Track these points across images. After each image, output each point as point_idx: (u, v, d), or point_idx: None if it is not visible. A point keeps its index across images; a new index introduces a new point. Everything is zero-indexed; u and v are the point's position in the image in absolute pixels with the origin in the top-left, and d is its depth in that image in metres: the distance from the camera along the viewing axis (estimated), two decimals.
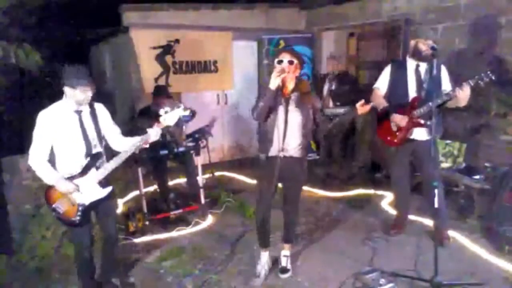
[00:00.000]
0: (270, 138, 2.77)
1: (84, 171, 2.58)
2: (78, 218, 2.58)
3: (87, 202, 2.60)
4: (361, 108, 2.77)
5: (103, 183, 2.65)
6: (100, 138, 2.69)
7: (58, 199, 2.55)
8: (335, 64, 5.83)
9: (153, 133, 2.69)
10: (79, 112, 2.57)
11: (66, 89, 2.49)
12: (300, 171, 2.91)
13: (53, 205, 2.55)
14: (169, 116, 2.70)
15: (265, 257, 3.14)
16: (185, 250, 3.59)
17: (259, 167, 2.90)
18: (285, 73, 2.61)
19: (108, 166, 2.63)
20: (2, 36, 3.58)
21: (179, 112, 2.71)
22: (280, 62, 2.70)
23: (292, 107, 2.74)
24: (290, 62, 2.70)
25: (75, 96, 2.50)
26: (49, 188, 2.55)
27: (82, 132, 2.58)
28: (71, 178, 2.55)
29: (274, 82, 2.59)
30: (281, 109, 2.72)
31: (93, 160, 2.61)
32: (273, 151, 2.80)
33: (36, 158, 2.51)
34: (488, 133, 4.31)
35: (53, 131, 2.49)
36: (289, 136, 2.76)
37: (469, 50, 4.45)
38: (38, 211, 3.58)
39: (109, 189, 2.67)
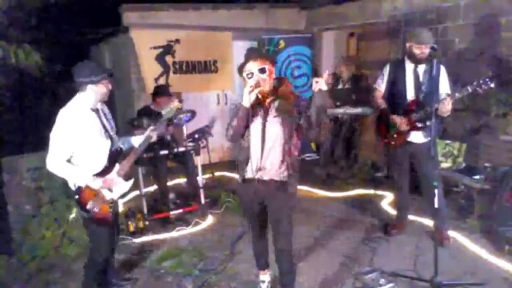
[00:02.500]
0: (246, 156, 2.35)
1: (109, 167, 2.60)
2: (110, 215, 2.61)
3: (116, 197, 2.64)
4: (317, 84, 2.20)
5: (126, 176, 2.69)
6: (115, 133, 2.75)
7: (90, 199, 2.52)
8: (348, 65, 5.82)
9: (153, 133, 2.80)
10: (96, 110, 2.58)
11: (89, 86, 2.48)
12: (283, 198, 2.37)
13: (88, 207, 2.50)
14: (168, 109, 2.90)
15: (266, 279, 2.83)
16: (185, 250, 3.59)
17: (240, 192, 2.59)
18: (259, 87, 2.20)
19: (129, 160, 2.68)
20: (2, 37, 3.58)
21: (176, 104, 2.92)
22: (250, 75, 2.26)
23: (271, 117, 2.30)
24: (262, 71, 2.25)
25: (99, 91, 2.52)
26: (80, 189, 2.50)
27: (104, 129, 2.60)
28: (98, 175, 2.54)
29: (246, 99, 2.18)
30: (257, 120, 2.30)
31: (116, 155, 2.66)
32: (249, 172, 2.37)
33: (59, 160, 2.44)
34: (488, 133, 4.31)
35: (77, 130, 2.44)
36: (267, 152, 2.31)
37: (469, 50, 4.44)
38: (38, 211, 3.58)
39: (131, 181, 2.72)
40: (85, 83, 2.47)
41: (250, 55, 2.32)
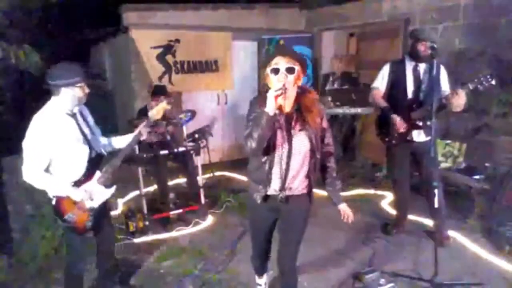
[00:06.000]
0: (269, 173, 2.07)
1: (89, 174, 2.47)
2: (90, 224, 2.48)
3: (96, 206, 2.50)
4: None
5: (108, 183, 2.56)
6: (96, 139, 2.62)
7: (69, 209, 2.40)
8: (340, 64, 5.86)
9: (144, 131, 2.66)
10: (73, 115, 2.42)
11: (63, 90, 2.30)
12: (304, 210, 2.22)
13: (65, 217, 2.39)
14: (154, 111, 2.71)
15: (262, 282, 2.71)
16: (185, 250, 3.59)
17: (253, 210, 2.30)
18: (285, 91, 1.87)
19: (111, 166, 2.55)
20: (2, 37, 3.58)
21: (163, 105, 2.74)
22: (275, 71, 1.93)
23: (296, 130, 2.02)
24: (290, 70, 1.92)
25: (74, 95, 2.35)
26: (59, 199, 2.38)
27: (82, 135, 2.45)
28: (77, 184, 2.42)
29: (272, 105, 1.86)
30: (281, 134, 2.02)
31: (96, 162, 2.52)
32: (272, 190, 2.12)
33: (35, 170, 2.30)
34: (488, 133, 4.31)
35: (53, 138, 2.29)
36: (293, 170, 2.06)
37: (469, 50, 4.45)
38: (38, 211, 3.58)
39: (113, 188, 2.60)
40: (59, 86, 2.30)
41: (281, 50, 2.00)
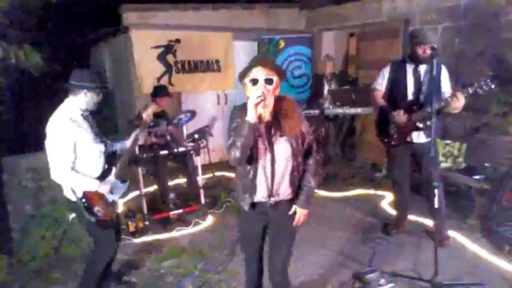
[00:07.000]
0: (253, 179, 2.08)
1: (108, 170, 2.64)
2: (114, 217, 2.67)
3: (116, 199, 2.69)
4: None
5: (122, 179, 2.72)
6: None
7: (97, 203, 2.54)
8: (331, 64, 5.86)
9: (141, 136, 2.87)
10: (87, 116, 2.60)
11: (84, 92, 2.50)
12: (292, 216, 2.20)
13: (94, 209, 2.53)
14: (147, 112, 2.97)
15: None
16: (185, 250, 3.59)
17: (242, 218, 2.30)
18: (265, 98, 1.90)
19: (122, 162, 2.70)
20: (2, 37, 3.58)
21: (152, 108, 3.04)
22: (254, 82, 1.96)
23: (277, 137, 2.04)
24: (269, 82, 1.95)
25: (93, 99, 2.55)
26: (87, 194, 2.51)
27: (97, 133, 2.63)
28: (99, 179, 2.58)
29: (252, 113, 1.89)
30: (262, 142, 2.03)
31: (113, 158, 2.69)
32: (258, 197, 2.12)
33: (64, 168, 2.42)
34: (488, 133, 4.31)
35: (76, 135, 2.45)
36: (279, 175, 2.07)
37: (469, 50, 4.45)
38: (38, 211, 3.58)
39: (127, 183, 2.74)
40: (81, 87, 2.49)
41: (259, 60, 2.05)
